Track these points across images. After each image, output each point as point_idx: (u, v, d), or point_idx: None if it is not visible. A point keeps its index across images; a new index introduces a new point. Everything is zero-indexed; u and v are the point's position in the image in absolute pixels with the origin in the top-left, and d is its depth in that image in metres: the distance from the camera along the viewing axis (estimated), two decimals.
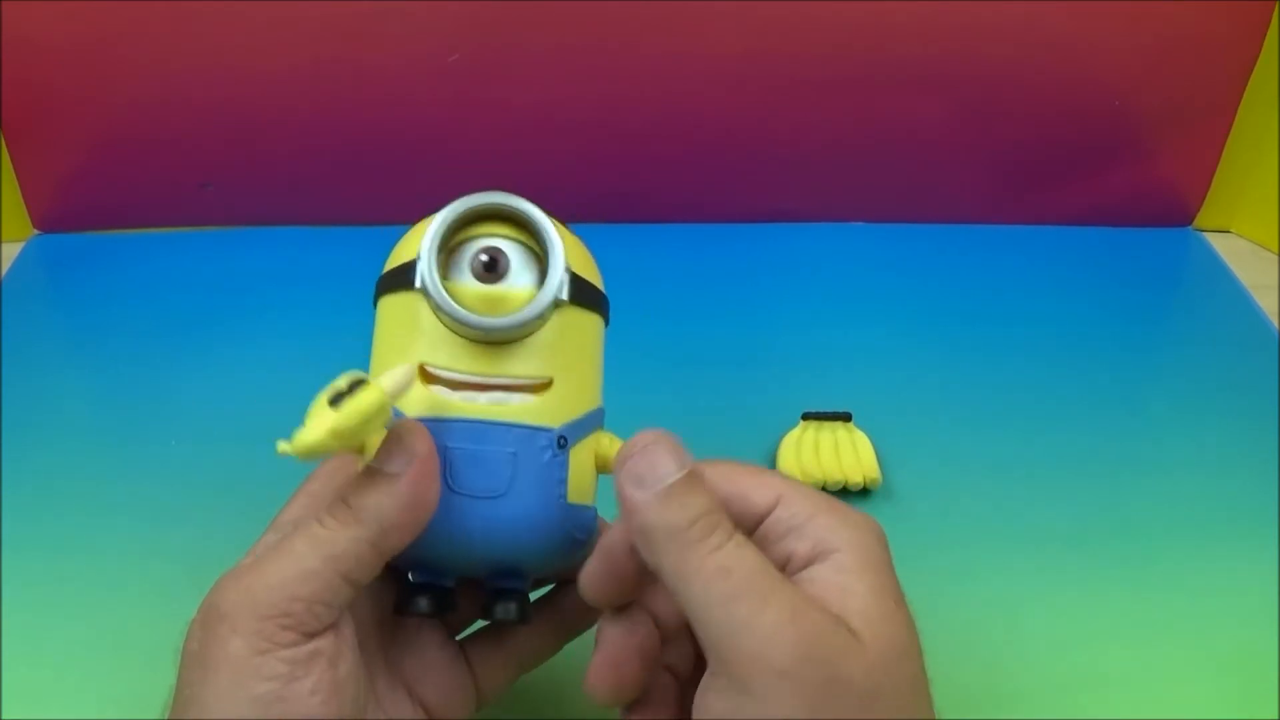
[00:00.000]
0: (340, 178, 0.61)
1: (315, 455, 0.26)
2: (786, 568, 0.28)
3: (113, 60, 0.56)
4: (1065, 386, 0.53)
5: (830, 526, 0.28)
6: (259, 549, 0.29)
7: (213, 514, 0.44)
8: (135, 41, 0.56)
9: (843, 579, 0.27)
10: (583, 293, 0.30)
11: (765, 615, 0.25)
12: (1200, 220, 0.65)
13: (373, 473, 0.27)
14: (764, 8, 0.56)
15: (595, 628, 0.31)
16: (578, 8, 0.55)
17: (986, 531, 0.45)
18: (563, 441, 0.30)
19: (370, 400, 0.26)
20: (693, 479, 0.27)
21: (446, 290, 0.29)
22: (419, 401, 0.29)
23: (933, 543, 0.44)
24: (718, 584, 0.26)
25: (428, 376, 0.30)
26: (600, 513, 0.32)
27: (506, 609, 0.31)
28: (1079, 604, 0.42)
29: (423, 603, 0.30)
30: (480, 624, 0.34)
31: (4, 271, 0.60)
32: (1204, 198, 0.64)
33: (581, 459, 0.31)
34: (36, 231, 0.63)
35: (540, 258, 0.30)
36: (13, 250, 0.62)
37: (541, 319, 0.29)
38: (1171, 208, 0.65)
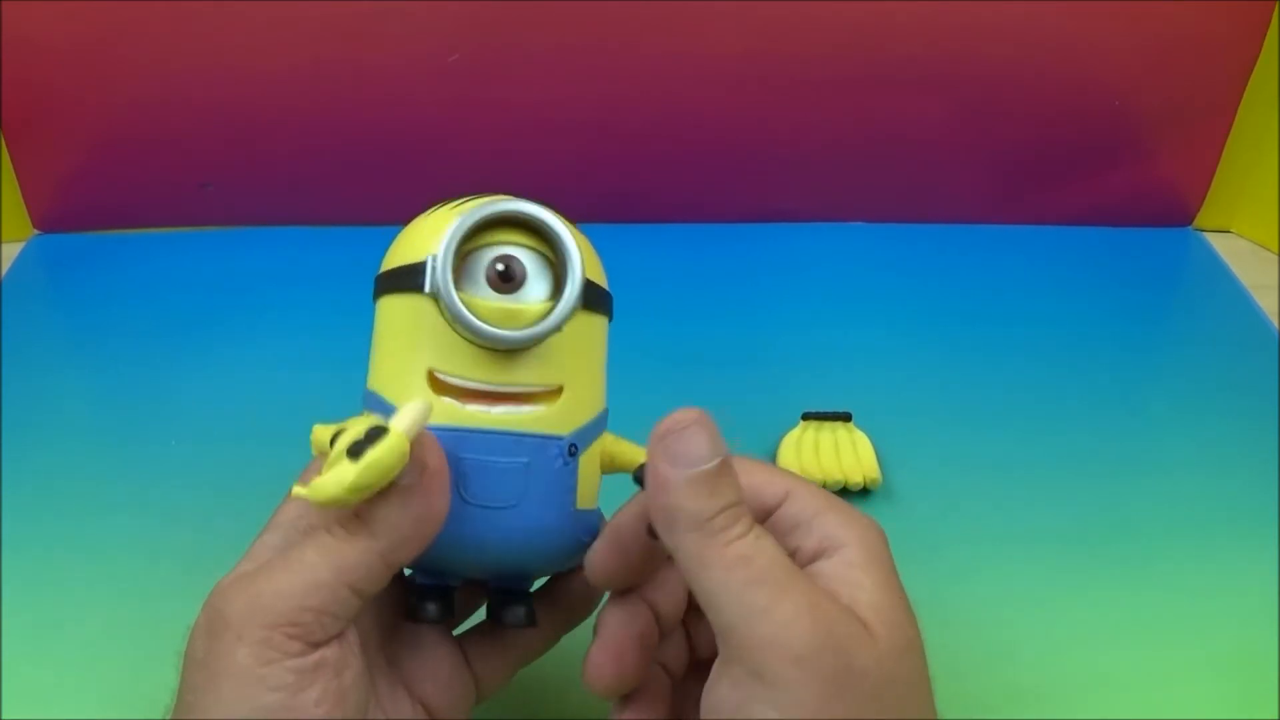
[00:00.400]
0: (340, 178, 0.61)
1: (334, 507, 0.26)
2: (794, 561, 0.28)
3: (113, 60, 0.56)
4: (1065, 386, 0.53)
5: (837, 523, 0.28)
6: (258, 549, 0.29)
7: (213, 514, 0.44)
8: (135, 41, 0.56)
9: (851, 574, 0.27)
10: (592, 296, 0.30)
11: (784, 603, 0.25)
12: (1200, 220, 0.65)
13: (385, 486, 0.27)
14: (764, 8, 0.56)
15: (594, 618, 0.31)
16: (578, 8, 0.55)
17: (986, 531, 0.45)
18: (573, 449, 0.30)
19: (391, 455, 0.25)
20: (725, 468, 0.26)
21: (461, 301, 0.28)
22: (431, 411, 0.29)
23: (933, 543, 0.44)
24: (738, 570, 0.26)
25: (438, 384, 0.29)
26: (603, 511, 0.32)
27: (516, 614, 0.31)
28: (1079, 604, 0.42)
29: (432, 610, 0.30)
30: (477, 619, 0.34)
31: (4, 271, 0.60)
32: (1204, 198, 0.64)
33: (589, 465, 0.31)
34: (36, 231, 0.63)
35: (553, 263, 0.29)
36: (13, 250, 0.62)
37: (560, 331, 0.29)
38: (1171, 208, 0.65)
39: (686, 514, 0.26)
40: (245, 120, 0.59)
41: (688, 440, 0.26)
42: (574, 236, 0.29)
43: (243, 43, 0.56)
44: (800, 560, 0.28)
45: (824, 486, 0.45)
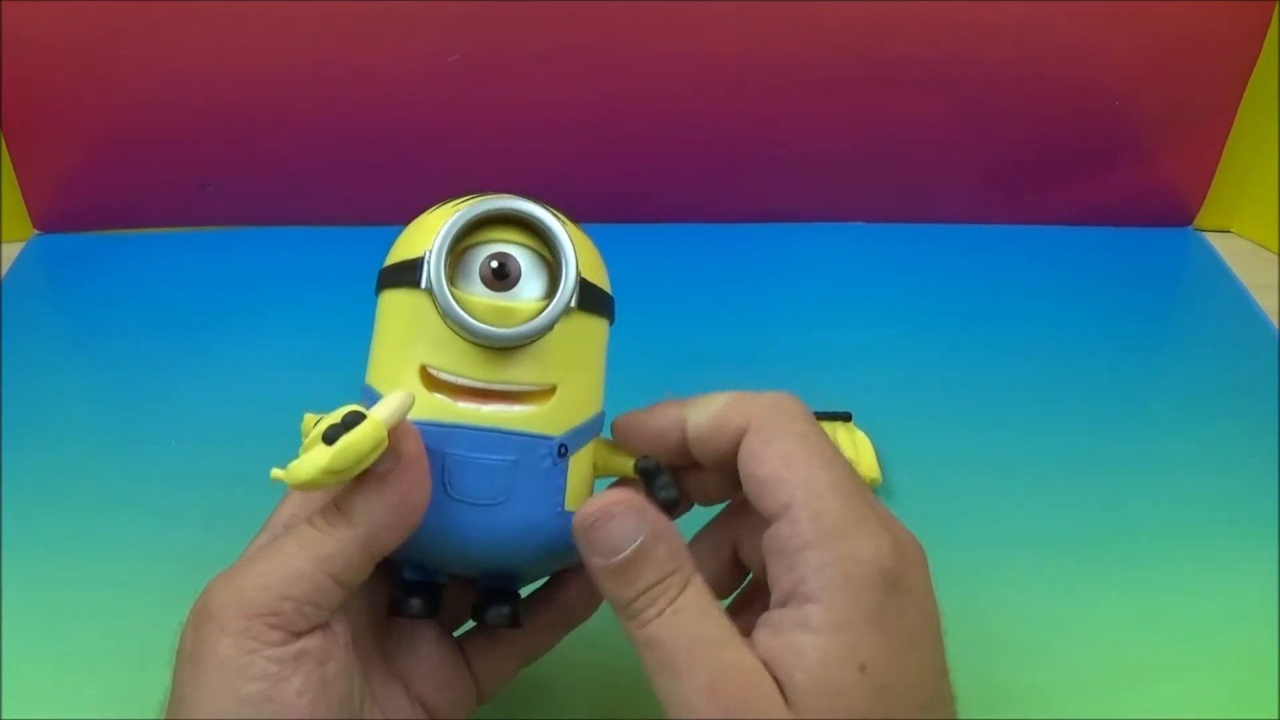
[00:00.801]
0: (340, 178, 0.61)
1: (309, 490, 0.26)
2: (770, 595, 0.27)
3: (113, 60, 0.56)
4: (1065, 386, 0.53)
5: (819, 565, 0.26)
6: (251, 550, 0.29)
7: (213, 514, 0.44)
8: (135, 41, 0.56)
9: (800, 638, 0.26)
10: (590, 298, 0.30)
11: (684, 685, 0.26)
12: (1200, 220, 0.65)
13: (362, 473, 0.27)
14: (764, 8, 0.56)
15: (592, 616, 0.32)
16: (578, 8, 0.55)
17: (986, 531, 0.45)
18: (563, 450, 0.30)
19: (367, 440, 0.26)
20: (645, 548, 0.27)
21: (454, 297, 0.28)
22: (421, 405, 0.29)
23: (933, 543, 0.43)
24: (648, 653, 0.26)
25: (430, 380, 0.29)
26: None
27: (499, 614, 0.31)
28: (1078, 604, 0.42)
29: (415, 605, 0.30)
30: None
31: (4, 271, 0.60)
32: (1204, 198, 0.64)
33: (580, 466, 0.30)
34: (36, 231, 0.63)
35: (550, 263, 0.30)
36: (13, 250, 0.62)
37: (551, 329, 0.29)
38: (1171, 208, 0.65)
39: (611, 598, 0.27)
40: (245, 120, 0.59)
41: (606, 532, 0.27)
42: (572, 236, 0.29)
43: (243, 43, 0.56)
44: (774, 599, 0.27)
45: None
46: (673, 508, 0.30)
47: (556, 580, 0.34)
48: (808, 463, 0.28)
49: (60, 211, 0.63)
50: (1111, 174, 0.63)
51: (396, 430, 0.27)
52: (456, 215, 0.29)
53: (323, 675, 0.27)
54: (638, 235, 0.62)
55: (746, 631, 0.27)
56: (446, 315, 0.28)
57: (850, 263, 0.61)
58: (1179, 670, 0.40)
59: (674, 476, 0.31)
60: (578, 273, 0.29)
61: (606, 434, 0.32)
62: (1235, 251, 0.64)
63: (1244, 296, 0.60)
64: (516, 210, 0.29)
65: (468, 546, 0.29)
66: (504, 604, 0.31)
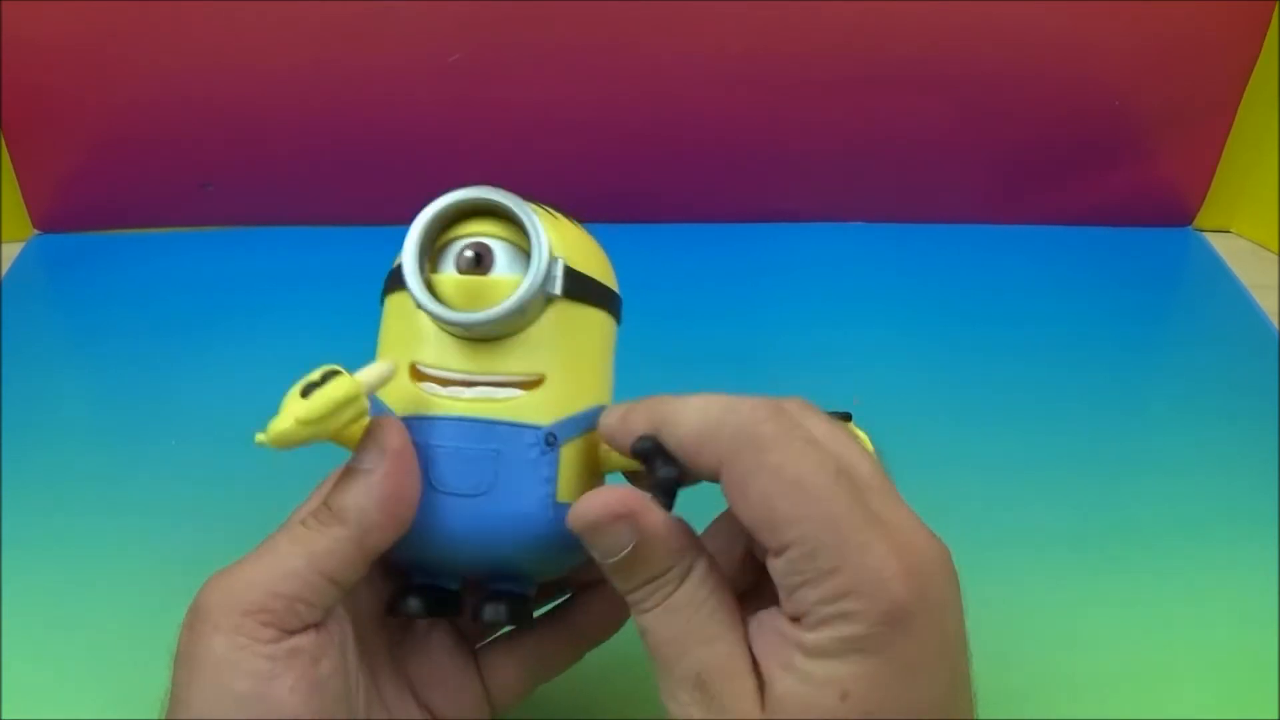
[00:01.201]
0: (340, 178, 0.61)
1: (288, 444, 0.26)
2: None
3: (113, 60, 0.56)
4: (1065, 386, 0.53)
5: (817, 601, 0.25)
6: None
7: (213, 514, 0.44)
8: (135, 41, 0.56)
9: (788, 653, 0.25)
10: (580, 287, 0.30)
11: (669, 679, 0.26)
12: (1200, 220, 0.65)
13: (349, 471, 0.28)
14: (764, 8, 0.56)
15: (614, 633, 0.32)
16: (578, 8, 0.55)
17: (986, 531, 0.45)
18: (552, 439, 0.29)
19: (340, 390, 0.26)
20: (639, 551, 0.27)
21: (428, 284, 0.28)
22: (404, 399, 0.29)
23: None
24: (643, 640, 0.27)
25: (418, 375, 0.29)
26: None
27: (496, 610, 0.30)
28: (1078, 604, 0.42)
29: (413, 603, 0.30)
30: (503, 630, 0.33)
31: (4, 271, 0.60)
32: (1204, 198, 0.64)
33: (576, 457, 0.30)
34: (36, 231, 0.63)
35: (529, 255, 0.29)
36: (13, 250, 0.62)
37: (522, 313, 0.28)
38: (1171, 208, 0.65)
39: (613, 585, 0.28)
40: (245, 120, 0.59)
41: (605, 536, 0.27)
42: (560, 229, 0.29)
43: (243, 43, 0.56)
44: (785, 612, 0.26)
45: None
46: (674, 487, 0.29)
47: (574, 600, 0.33)
48: (790, 501, 0.25)
49: (60, 211, 0.63)
50: (1111, 174, 0.63)
51: (380, 425, 0.27)
52: (431, 206, 0.29)
53: (316, 674, 0.27)
54: (638, 235, 0.62)
55: (761, 607, 0.27)
56: (418, 302, 0.28)
57: (850, 263, 0.61)
58: (1179, 670, 0.40)
59: None
60: (549, 255, 0.28)
61: None
62: (1235, 251, 0.64)
63: (1244, 296, 0.60)
64: (487, 200, 0.29)
65: (456, 539, 0.29)
66: (501, 601, 0.30)
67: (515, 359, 0.29)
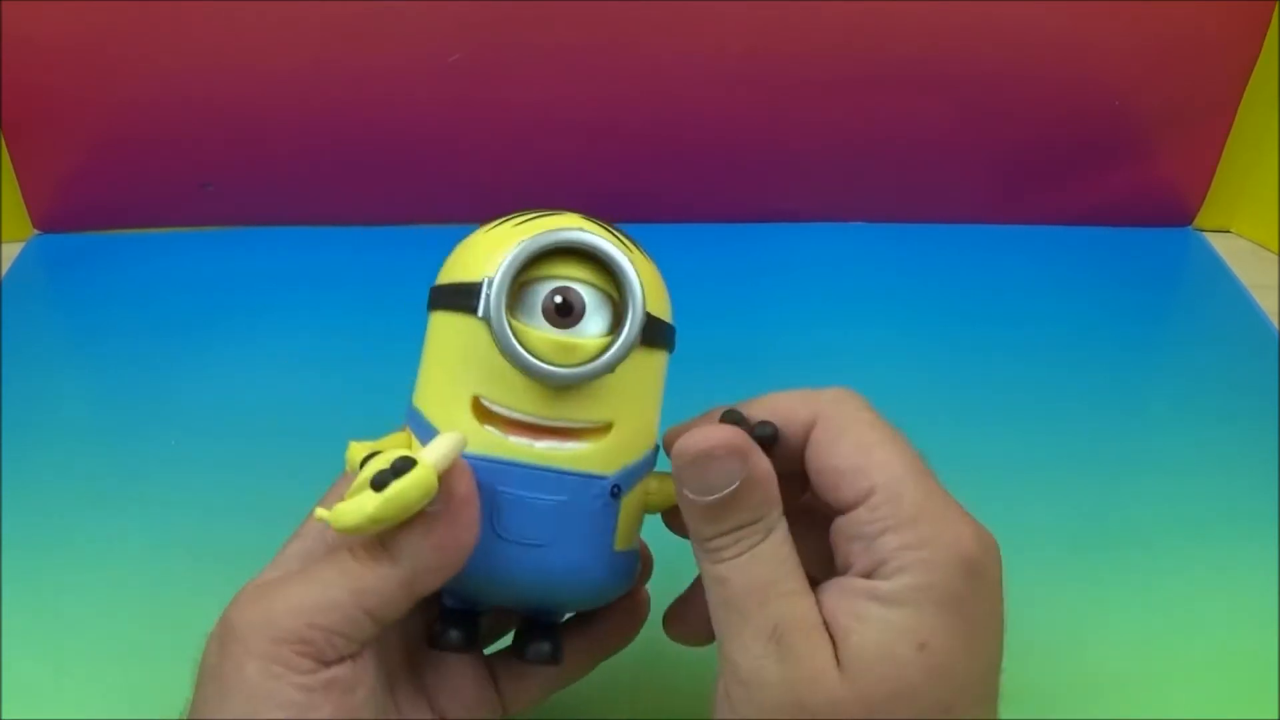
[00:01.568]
0: (340, 178, 0.61)
1: (354, 535, 0.25)
2: (848, 570, 0.27)
3: (113, 60, 0.56)
4: (1065, 386, 0.53)
5: (899, 548, 0.26)
6: (282, 557, 0.28)
7: (213, 514, 0.44)
8: (135, 41, 0.56)
9: (865, 606, 0.26)
10: (654, 332, 0.29)
11: (743, 630, 0.26)
12: (1200, 220, 0.65)
13: None
14: (764, 8, 0.56)
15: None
16: (578, 8, 0.55)
17: None
18: (616, 491, 0.29)
19: (416, 488, 0.25)
20: (741, 492, 0.26)
21: (514, 329, 0.27)
22: (472, 438, 0.28)
23: None
24: (714, 590, 0.27)
25: (483, 411, 0.28)
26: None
27: (540, 650, 0.30)
28: (1078, 604, 0.42)
29: (455, 637, 0.29)
30: (509, 637, 0.33)
31: (4, 271, 0.60)
32: (1204, 198, 0.64)
33: (632, 505, 0.30)
34: (36, 231, 0.63)
35: (613, 297, 0.29)
36: (13, 250, 0.62)
37: (612, 370, 0.28)
38: (1171, 208, 0.65)
39: (693, 531, 0.27)
40: (245, 120, 0.59)
41: (705, 470, 0.26)
42: (638, 267, 0.29)
43: (243, 43, 0.56)
44: (853, 570, 0.27)
45: None
46: (771, 443, 0.29)
47: (594, 611, 0.33)
48: (884, 450, 0.28)
49: (60, 211, 0.63)
50: (1111, 174, 0.63)
51: (449, 470, 0.26)
52: (522, 246, 0.27)
53: (352, 703, 0.26)
54: (638, 235, 0.62)
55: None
56: (505, 352, 0.27)
57: (850, 263, 0.61)
58: (1179, 670, 0.40)
59: None
60: (644, 312, 0.28)
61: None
62: (1235, 251, 0.64)
63: (1244, 296, 0.60)
64: (585, 244, 0.28)
65: (514, 587, 0.28)
66: (544, 639, 0.30)
67: (587, 406, 0.28)
